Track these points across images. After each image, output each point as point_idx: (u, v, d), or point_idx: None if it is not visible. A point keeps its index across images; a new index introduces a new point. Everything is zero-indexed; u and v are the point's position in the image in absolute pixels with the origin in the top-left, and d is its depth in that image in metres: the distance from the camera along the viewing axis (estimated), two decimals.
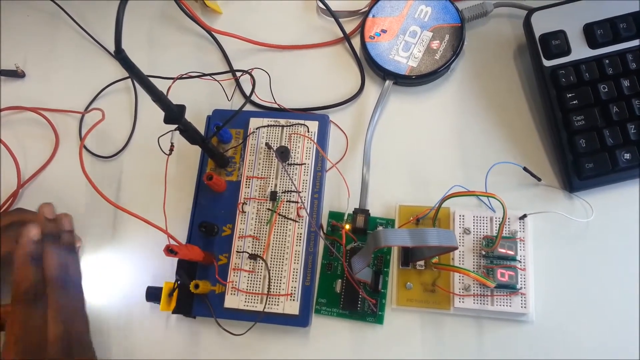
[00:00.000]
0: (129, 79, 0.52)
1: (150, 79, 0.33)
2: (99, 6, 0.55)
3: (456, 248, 0.35)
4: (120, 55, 0.28)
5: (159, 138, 0.39)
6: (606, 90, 0.42)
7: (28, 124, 0.52)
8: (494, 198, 0.37)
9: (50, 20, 0.55)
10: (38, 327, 0.35)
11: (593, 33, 0.43)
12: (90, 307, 0.44)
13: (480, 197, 0.43)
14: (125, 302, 0.45)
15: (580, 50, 0.43)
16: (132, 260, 0.46)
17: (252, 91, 0.43)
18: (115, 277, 0.46)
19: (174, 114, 0.35)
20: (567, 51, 0.43)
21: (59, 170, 0.50)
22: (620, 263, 0.41)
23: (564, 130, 0.42)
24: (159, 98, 0.33)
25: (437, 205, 0.40)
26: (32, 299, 0.36)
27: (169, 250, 0.36)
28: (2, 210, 0.48)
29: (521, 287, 0.40)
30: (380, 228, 0.44)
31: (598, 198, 0.42)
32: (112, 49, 0.30)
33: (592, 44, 0.43)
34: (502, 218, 0.38)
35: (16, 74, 0.53)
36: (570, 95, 0.42)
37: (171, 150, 0.39)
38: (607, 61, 0.42)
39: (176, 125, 0.37)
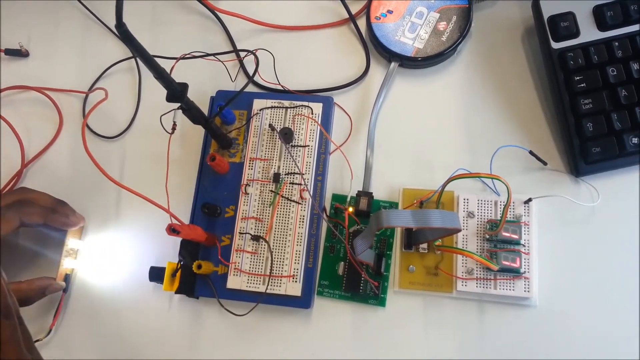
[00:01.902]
0: (133, 59, 0.52)
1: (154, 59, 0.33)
2: None
3: (459, 230, 0.35)
4: (121, 29, 0.28)
5: (161, 117, 0.39)
6: (615, 73, 0.41)
7: (32, 103, 0.52)
8: (499, 180, 0.37)
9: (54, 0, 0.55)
10: None
11: (603, 15, 0.42)
12: (95, 286, 0.45)
13: (485, 181, 0.43)
14: (128, 282, 0.45)
15: (589, 33, 0.42)
16: (135, 240, 0.46)
17: (255, 71, 0.43)
18: (119, 257, 0.46)
19: (176, 92, 0.35)
20: (575, 33, 0.43)
21: (62, 150, 0.50)
22: (625, 248, 0.40)
23: (571, 114, 0.42)
24: (161, 75, 0.33)
25: (440, 188, 0.40)
26: None
27: (171, 230, 0.36)
28: (6, 189, 0.49)
29: (525, 271, 0.40)
30: (382, 209, 0.43)
31: (604, 183, 0.42)
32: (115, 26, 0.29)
33: (602, 26, 0.42)
34: (507, 201, 0.38)
35: (20, 53, 0.53)
36: (578, 78, 0.42)
37: (173, 129, 0.39)
38: (616, 44, 0.42)
39: (179, 105, 0.37)
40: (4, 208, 0.42)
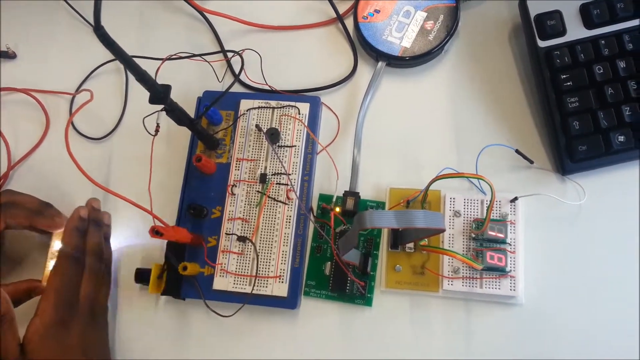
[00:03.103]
0: None
1: (139, 59, 0.33)
2: None
3: (443, 230, 0.35)
4: (99, 32, 0.28)
5: (144, 118, 0.39)
6: (601, 71, 0.41)
7: (19, 105, 0.52)
8: (484, 181, 0.37)
9: (42, 1, 0.55)
10: (74, 283, 0.41)
11: (589, 13, 0.42)
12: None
13: (471, 180, 0.43)
14: (114, 284, 0.45)
15: (575, 31, 0.42)
16: (121, 242, 0.46)
17: (241, 71, 0.43)
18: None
19: (158, 94, 0.35)
20: (562, 32, 0.43)
21: (49, 152, 0.50)
22: (611, 246, 0.40)
23: (557, 112, 0.42)
24: (142, 77, 0.33)
25: (425, 188, 0.40)
26: (74, 261, 0.41)
27: (155, 232, 0.36)
28: None
29: (510, 270, 0.39)
30: (367, 210, 0.43)
31: (591, 181, 0.42)
32: None
33: (588, 24, 0.42)
34: (490, 200, 0.37)
35: (7, 55, 0.53)
36: (564, 76, 0.42)
37: (157, 131, 0.39)
38: (603, 42, 0.41)
39: (162, 106, 0.37)
40: None
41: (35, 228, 0.43)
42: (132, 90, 0.51)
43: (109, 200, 0.46)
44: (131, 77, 0.50)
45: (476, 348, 0.40)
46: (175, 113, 0.38)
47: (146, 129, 0.39)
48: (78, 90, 0.51)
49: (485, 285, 0.39)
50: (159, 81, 0.36)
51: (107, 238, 0.45)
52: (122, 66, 0.52)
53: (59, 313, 0.39)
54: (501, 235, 0.40)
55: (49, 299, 0.39)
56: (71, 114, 0.50)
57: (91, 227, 0.44)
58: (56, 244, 0.45)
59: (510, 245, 0.40)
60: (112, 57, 0.51)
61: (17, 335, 0.37)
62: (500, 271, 0.39)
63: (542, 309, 0.40)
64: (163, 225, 0.38)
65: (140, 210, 0.39)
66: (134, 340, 0.43)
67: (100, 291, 0.42)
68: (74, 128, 0.50)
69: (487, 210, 0.39)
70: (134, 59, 0.33)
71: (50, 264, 0.45)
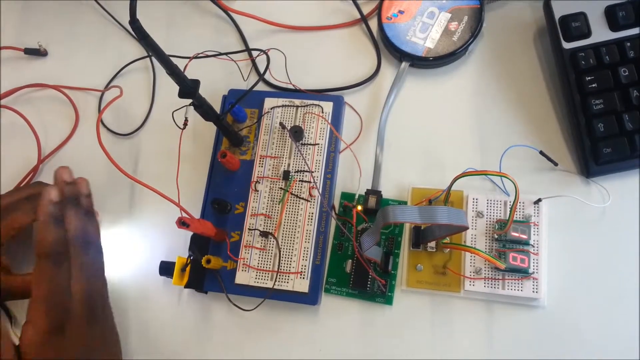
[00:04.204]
0: (148, 59, 0.53)
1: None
2: None
3: (467, 228, 0.35)
4: (134, 25, 0.29)
5: (173, 112, 0.40)
6: (627, 73, 0.41)
7: (49, 101, 0.53)
8: (507, 179, 0.37)
9: (72, 0, 0.56)
10: (62, 286, 0.36)
11: (615, 15, 0.42)
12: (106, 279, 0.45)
13: (495, 181, 0.43)
14: (139, 275, 0.45)
15: (600, 33, 0.42)
16: (147, 235, 0.47)
17: (266, 69, 0.44)
18: (131, 251, 0.47)
19: (188, 88, 0.36)
20: (587, 33, 0.42)
21: (78, 146, 0.51)
22: (635, 249, 0.40)
23: (582, 114, 0.42)
24: (173, 71, 0.34)
25: (448, 186, 0.40)
26: (57, 259, 0.37)
27: (181, 223, 0.37)
28: (22, 184, 0.50)
29: (533, 272, 0.39)
30: (389, 205, 0.44)
31: (615, 184, 0.41)
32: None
33: (614, 26, 0.42)
34: (514, 199, 0.37)
35: (39, 53, 0.55)
36: (589, 78, 0.42)
37: (185, 124, 0.40)
38: (628, 44, 0.41)
39: (190, 101, 0.38)
40: (19, 201, 0.43)
41: None
42: (159, 87, 0.52)
43: (137, 193, 0.47)
44: (159, 75, 0.52)
45: (497, 350, 0.39)
46: (203, 108, 0.39)
47: (175, 122, 0.40)
48: (107, 87, 0.52)
49: (508, 287, 0.39)
50: None
51: (89, 212, 0.40)
52: (149, 64, 0.53)
53: (51, 321, 0.35)
54: (524, 237, 0.39)
55: (38, 309, 0.35)
56: (100, 110, 0.52)
57: (68, 208, 0.38)
58: None
59: (533, 246, 0.40)
60: (140, 55, 0.53)
61: (11, 351, 0.34)
62: (523, 273, 0.39)
63: (565, 312, 0.39)
64: (189, 217, 0.38)
65: (166, 204, 0.40)
66: (156, 331, 0.44)
67: (95, 281, 0.38)
68: (102, 124, 0.51)
69: (510, 210, 0.39)
70: None
71: None
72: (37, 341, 0.35)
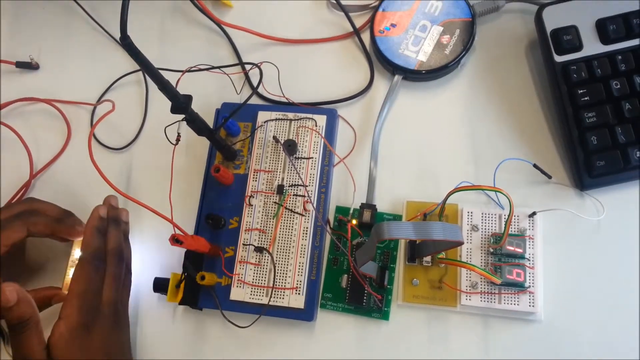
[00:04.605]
0: (141, 72, 0.53)
1: (159, 71, 0.34)
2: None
3: (462, 243, 0.35)
4: (125, 42, 0.29)
5: (165, 128, 0.39)
6: (618, 86, 0.41)
7: (41, 115, 0.53)
8: (501, 193, 0.37)
9: (63, 13, 0.56)
10: (96, 288, 0.41)
11: (605, 28, 0.42)
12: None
13: (489, 194, 0.43)
14: (133, 292, 0.45)
15: (592, 46, 0.43)
16: (140, 251, 0.46)
17: (259, 83, 0.43)
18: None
19: (180, 104, 0.36)
20: (578, 47, 0.43)
21: (70, 161, 0.51)
22: (631, 262, 0.40)
23: (575, 127, 0.42)
24: (165, 86, 0.34)
25: (443, 201, 0.40)
26: (96, 264, 0.41)
27: (175, 240, 0.36)
28: (14, 199, 0.49)
29: (529, 286, 0.39)
30: (384, 221, 0.43)
31: (609, 196, 0.41)
32: None
33: (605, 40, 0.42)
34: (509, 213, 0.37)
35: (30, 66, 0.54)
36: (581, 91, 0.42)
37: (177, 140, 0.39)
38: (619, 57, 0.42)
39: (183, 116, 0.38)
40: (11, 218, 0.42)
41: (56, 236, 0.44)
42: (152, 101, 0.52)
43: (130, 208, 0.47)
44: (151, 89, 0.52)
45: None
46: (196, 123, 0.39)
47: (167, 138, 0.39)
48: (99, 101, 0.52)
49: (504, 301, 0.39)
50: None
51: (126, 236, 0.45)
52: (142, 78, 0.53)
53: (82, 318, 0.39)
54: (520, 250, 0.39)
55: (72, 304, 0.39)
56: (93, 124, 0.51)
57: (111, 226, 0.44)
58: (77, 252, 0.46)
59: (528, 260, 0.40)
60: (132, 69, 0.53)
61: (42, 339, 0.37)
62: (519, 287, 0.39)
63: (561, 325, 0.39)
64: (183, 234, 0.38)
65: (159, 220, 0.39)
66: (151, 348, 0.44)
67: (122, 293, 0.43)
68: (95, 138, 0.51)
69: (505, 224, 0.39)
70: None
71: (71, 271, 0.45)
72: (67, 336, 0.38)
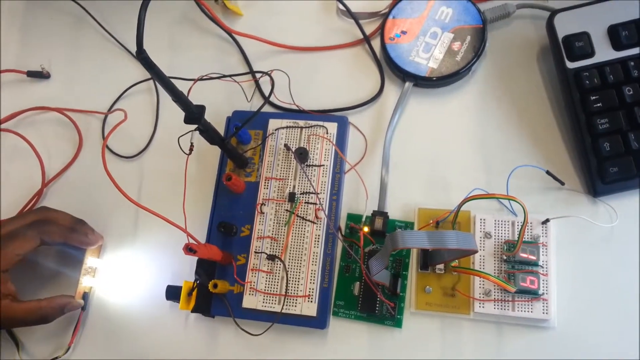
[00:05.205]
0: (151, 81, 0.53)
1: (171, 80, 0.34)
2: (122, 9, 0.56)
3: (476, 251, 0.35)
4: (141, 56, 0.29)
5: (179, 138, 0.39)
6: (631, 92, 0.41)
7: (52, 124, 0.53)
8: (515, 201, 0.37)
9: (74, 22, 0.57)
10: None
11: (618, 34, 0.42)
12: (113, 304, 0.46)
13: (502, 201, 0.43)
14: (145, 300, 0.45)
15: (604, 52, 0.42)
16: (152, 259, 0.46)
17: (271, 92, 0.44)
18: (136, 275, 0.46)
19: (193, 114, 0.36)
20: (590, 53, 0.43)
21: (82, 170, 0.51)
22: None
23: (587, 134, 0.42)
24: (179, 98, 0.34)
25: (456, 209, 0.40)
26: None
27: (188, 249, 0.37)
28: (27, 208, 0.50)
29: (543, 293, 0.39)
30: (398, 230, 0.43)
31: (623, 203, 0.41)
32: (134, 50, 0.30)
33: (617, 46, 0.42)
34: (523, 221, 0.37)
35: (41, 75, 0.54)
36: (594, 97, 0.42)
37: (191, 150, 0.40)
38: (632, 63, 0.41)
39: (196, 126, 0.38)
40: (24, 227, 0.43)
41: (69, 244, 0.44)
42: (162, 109, 0.52)
43: (142, 216, 0.47)
44: (162, 97, 0.52)
45: None
46: (209, 133, 0.39)
47: (181, 148, 0.40)
48: (111, 110, 0.52)
49: (518, 308, 0.39)
50: None
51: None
52: (153, 86, 0.53)
53: None
54: (533, 258, 0.39)
55: None
56: (105, 133, 0.51)
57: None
58: (89, 260, 0.46)
59: (542, 267, 0.40)
60: (143, 77, 0.53)
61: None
62: (532, 294, 0.39)
63: (575, 332, 0.39)
64: (196, 243, 0.38)
65: (171, 227, 0.39)
66: (163, 355, 0.44)
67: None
68: (107, 147, 0.51)
69: (519, 231, 0.39)
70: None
71: (84, 279, 0.45)
72: None
